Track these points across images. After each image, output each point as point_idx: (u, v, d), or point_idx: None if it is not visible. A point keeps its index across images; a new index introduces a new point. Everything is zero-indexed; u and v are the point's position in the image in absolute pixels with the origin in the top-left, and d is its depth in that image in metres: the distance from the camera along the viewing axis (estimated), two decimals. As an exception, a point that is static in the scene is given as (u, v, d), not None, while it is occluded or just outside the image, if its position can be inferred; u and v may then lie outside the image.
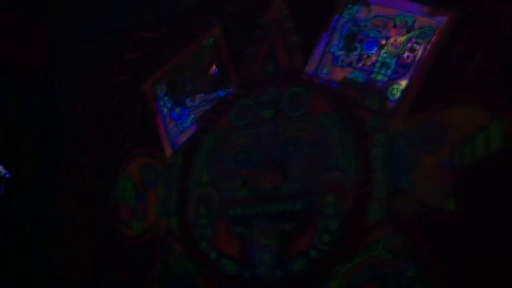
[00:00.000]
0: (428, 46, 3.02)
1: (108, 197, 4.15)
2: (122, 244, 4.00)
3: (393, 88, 3.09)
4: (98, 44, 4.49)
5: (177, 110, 3.94)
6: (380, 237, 2.94)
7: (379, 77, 3.16)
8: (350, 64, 3.28)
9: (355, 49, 3.29)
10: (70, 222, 4.30)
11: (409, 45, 3.11)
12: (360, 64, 3.25)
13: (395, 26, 3.18)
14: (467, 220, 2.68)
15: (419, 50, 3.06)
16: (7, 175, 4.39)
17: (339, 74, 3.30)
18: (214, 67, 3.84)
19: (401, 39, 3.14)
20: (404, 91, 3.05)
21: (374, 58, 3.21)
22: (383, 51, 3.19)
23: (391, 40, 3.17)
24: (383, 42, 3.20)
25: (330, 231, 3.09)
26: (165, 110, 4.00)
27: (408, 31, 3.13)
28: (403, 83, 3.07)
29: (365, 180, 3.04)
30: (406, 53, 3.10)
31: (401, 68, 3.10)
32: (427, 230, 2.80)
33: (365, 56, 3.24)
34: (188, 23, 4.03)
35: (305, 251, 3.15)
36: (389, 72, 3.14)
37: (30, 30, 4.61)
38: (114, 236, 4.05)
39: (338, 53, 3.34)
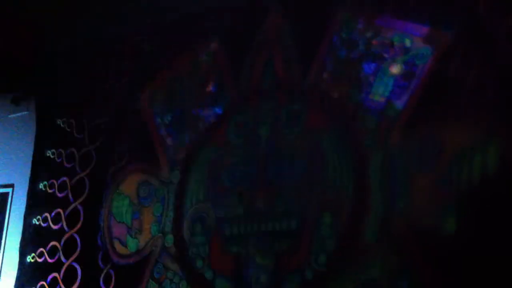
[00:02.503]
0: (425, 66, 3.03)
1: (101, 213, 4.11)
2: (115, 261, 3.95)
3: (390, 108, 3.10)
4: (92, 54, 4.48)
5: (174, 125, 3.93)
6: (376, 257, 2.92)
7: (376, 97, 3.17)
8: (347, 82, 3.29)
9: (353, 67, 3.30)
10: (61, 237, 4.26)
11: (406, 65, 3.12)
12: (358, 83, 3.26)
13: (393, 46, 3.20)
14: (465, 240, 2.67)
15: (417, 71, 3.07)
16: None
17: (337, 92, 3.31)
18: (211, 81, 3.84)
19: (399, 59, 3.15)
20: (401, 111, 3.05)
21: (371, 77, 3.22)
22: (380, 71, 3.20)
23: (389, 60, 3.19)
24: (381, 62, 3.21)
25: (326, 251, 3.07)
26: (162, 126, 3.98)
27: (405, 52, 3.15)
28: (401, 102, 3.07)
29: (361, 200, 3.03)
30: (404, 74, 3.11)
31: (399, 88, 3.11)
32: (423, 250, 2.78)
33: (363, 75, 3.25)
34: (186, 35, 4.04)
35: (301, 271, 3.12)
36: (386, 92, 3.14)
37: (23, 39, 4.60)
38: (107, 254, 4.00)
39: (336, 70, 3.35)
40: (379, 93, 3.17)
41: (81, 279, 4.06)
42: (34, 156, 4.61)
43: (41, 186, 4.45)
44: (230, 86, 3.75)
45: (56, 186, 4.39)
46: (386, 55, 3.20)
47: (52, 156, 4.50)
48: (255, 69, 3.65)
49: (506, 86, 2.71)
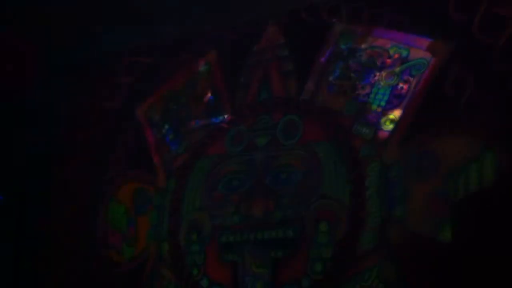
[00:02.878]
0: (422, 77, 3.07)
1: (97, 222, 4.10)
2: (111, 269, 3.94)
3: (387, 119, 3.13)
4: (90, 68, 4.49)
5: (171, 136, 3.94)
6: (372, 266, 2.94)
7: (373, 107, 3.19)
8: (344, 93, 3.32)
9: (350, 78, 3.33)
10: (58, 246, 4.24)
11: (403, 76, 3.15)
12: (354, 94, 3.28)
13: (389, 57, 3.23)
14: (460, 249, 2.69)
15: (413, 82, 3.10)
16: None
17: (334, 102, 3.33)
18: (208, 93, 3.86)
19: (396, 70, 3.18)
20: (398, 122, 3.08)
21: (368, 88, 3.25)
22: (377, 82, 3.23)
23: (386, 71, 3.22)
24: (378, 72, 3.24)
25: (323, 259, 3.08)
26: (159, 136, 3.99)
27: (402, 62, 3.18)
28: (397, 113, 3.10)
29: (358, 209, 3.05)
30: (400, 84, 3.15)
31: (395, 98, 3.14)
32: (419, 259, 2.81)
33: (359, 86, 3.28)
34: (182, 48, 4.05)
35: (297, 279, 3.13)
36: (383, 103, 3.17)
37: (19, 54, 4.59)
38: (102, 261, 3.99)
39: (333, 81, 3.38)
40: (375, 103, 3.19)
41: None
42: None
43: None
44: (227, 97, 3.77)
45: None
46: (382, 66, 3.23)
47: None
48: (252, 82, 3.67)
49: (500, 100, 2.75)
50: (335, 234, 3.08)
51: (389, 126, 3.10)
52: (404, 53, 3.19)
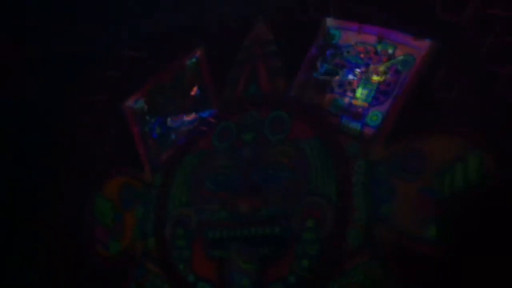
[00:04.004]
0: (409, 74, 3.07)
1: (83, 216, 4.08)
2: (97, 264, 3.93)
3: (373, 115, 3.13)
4: (77, 61, 4.44)
5: (158, 130, 3.92)
6: (359, 263, 2.95)
7: (360, 103, 3.19)
8: (331, 89, 3.31)
9: (337, 74, 3.32)
10: (43, 241, 4.22)
11: (390, 72, 3.15)
12: (341, 90, 3.28)
13: (376, 53, 3.23)
14: (446, 246, 2.72)
15: (400, 78, 3.10)
16: None
17: (321, 99, 3.32)
18: (196, 88, 3.84)
19: (382, 66, 3.18)
20: (384, 118, 3.08)
21: (355, 84, 3.24)
22: (364, 78, 3.22)
23: (373, 67, 3.21)
24: (365, 68, 3.23)
25: (310, 256, 3.09)
26: (146, 130, 3.97)
27: (389, 58, 3.18)
28: (383, 109, 3.10)
29: (345, 206, 3.06)
30: (387, 81, 3.15)
31: (382, 95, 3.14)
32: (405, 256, 2.83)
33: (346, 82, 3.28)
34: (170, 43, 4.02)
35: (284, 276, 3.14)
36: (369, 99, 3.17)
37: (4, 46, 4.54)
38: (88, 256, 3.97)
39: (320, 78, 3.37)
40: (362, 99, 3.19)
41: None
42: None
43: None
44: (215, 92, 3.75)
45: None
46: (369, 62, 3.23)
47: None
48: (240, 77, 3.65)
49: (486, 99, 2.76)
50: (322, 231, 3.09)
51: (376, 122, 3.10)
52: (391, 49, 3.19)
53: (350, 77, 3.27)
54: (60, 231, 4.16)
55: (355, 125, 3.16)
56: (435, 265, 2.73)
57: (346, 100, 3.24)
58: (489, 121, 2.72)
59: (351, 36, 3.33)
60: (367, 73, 3.22)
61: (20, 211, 4.40)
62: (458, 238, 2.69)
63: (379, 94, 3.15)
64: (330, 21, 3.40)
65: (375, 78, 3.19)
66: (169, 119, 3.89)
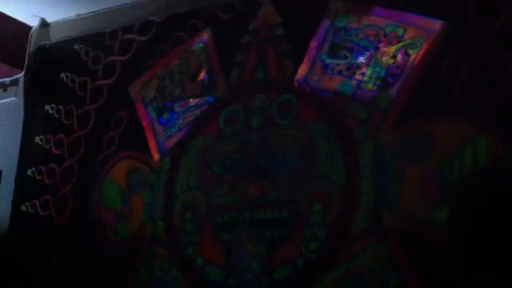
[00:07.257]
0: (418, 56, 3.04)
1: (90, 200, 4.09)
2: (105, 248, 3.95)
3: (382, 98, 3.11)
4: (83, 45, 4.44)
5: (165, 115, 3.91)
6: (366, 246, 2.95)
7: (369, 86, 3.17)
8: (339, 72, 3.29)
9: (345, 57, 3.30)
10: (50, 226, 4.23)
11: (399, 55, 3.13)
12: (350, 73, 3.26)
13: (385, 36, 3.20)
14: (455, 232, 2.71)
15: (409, 60, 3.08)
16: None
17: (329, 82, 3.31)
18: (203, 72, 3.83)
19: (392, 49, 3.16)
20: (393, 101, 3.07)
21: (363, 67, 3.22)
22: (373, 61, 3.20)
23: (381, 50, 3.19)
24: (373, 51, 3.21)
25: (317, 239, 3.10)
26: (153, 115, 3.97)
27: (398, 41, 3.15)
28: (392, 93, 3.08)
29: (352, 189, 3.05)
30: (396, 63, 3.12)
31: (391, 77, 3.12)
32: (413, 240, 2.82)
33: (355, 65, 3.25)
34: (177, 27, 4.01)
35: (292, 259, 3.15)
36: (378, 82, 3.15)
37: (12, 29, 4.55)
38: (97, 241, 3.99)
39: (328, 61, 3.35)
40: (371, 83, 3.17)
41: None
42: (22, 143, 4.55)
43: (29, 172, 4.40)
44: (222, 77, 3.74)
45: (45, 172, 4.35)
46: (378, 45, 3.20)
47: (40, 143, 4.44)
48: (247, 61, 3.63)
49: (495, 82, 2.74)
50: (329, 214, 3.09)
51: (385, 106, 3.08)
52: (401, 31, 3.16)
53: (359, 60, 3.24)
54: (65, 215, 4.18)
55: (363, 109, 3.14)
56: (443, 249, 2.72)
57: (355, 83, 3.22)
58: (498, 104, 2.69)
59: (360, 19, 3.30)
60: (376, 56, 3.20)
61: (24, 194, 4.42)
62: (467, 222, 2.67)
63: (388, 77, 3.13)
64: (338, 3, 3.38)
65: (384, 61, 3.16)
66: (176, 104, 3.88)
